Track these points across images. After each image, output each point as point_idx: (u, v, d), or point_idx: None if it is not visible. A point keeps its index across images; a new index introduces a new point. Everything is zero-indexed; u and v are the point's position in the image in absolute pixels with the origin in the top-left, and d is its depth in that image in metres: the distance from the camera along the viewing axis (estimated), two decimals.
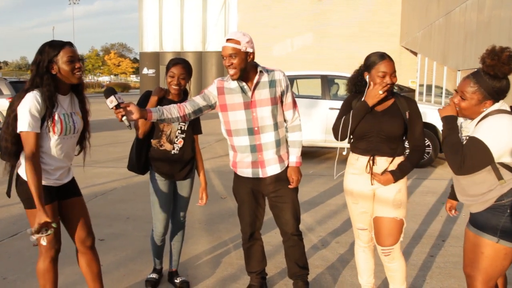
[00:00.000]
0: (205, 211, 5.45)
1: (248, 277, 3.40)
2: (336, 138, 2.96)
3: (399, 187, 2.84)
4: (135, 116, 2.61)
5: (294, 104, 3.07)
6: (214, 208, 5.60)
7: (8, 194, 2.66)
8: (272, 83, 2.95)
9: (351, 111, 2.86)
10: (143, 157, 3.28)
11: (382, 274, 3.64)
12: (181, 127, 3.26)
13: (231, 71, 2.81)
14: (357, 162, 2.91)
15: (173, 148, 3.25)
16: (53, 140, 2.58)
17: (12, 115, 2.51)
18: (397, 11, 22.79)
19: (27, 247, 4.28)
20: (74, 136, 2.72)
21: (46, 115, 2.51)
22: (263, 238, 3.36)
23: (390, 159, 2.83)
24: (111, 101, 2.58)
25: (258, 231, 3.23)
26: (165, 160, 3.25)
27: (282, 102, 3.01)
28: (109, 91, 2.62)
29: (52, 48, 2.54)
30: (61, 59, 2.53)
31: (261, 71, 2.93)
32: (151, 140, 3.25)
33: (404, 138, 2.90)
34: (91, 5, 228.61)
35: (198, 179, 3.48)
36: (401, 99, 2.86)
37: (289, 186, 3.05)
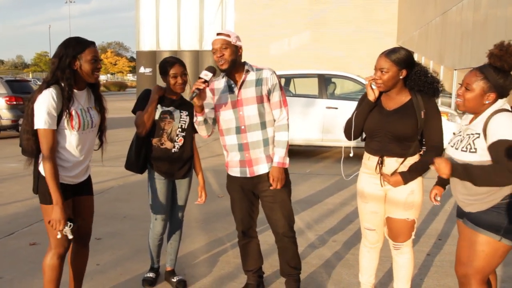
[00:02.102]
0: (202, 210, 5.45)
1: (245, 276, 3.40)
2: (346, 137, 2.96)
3: (411, 189, 2.77)
4: (201, 101, 2.85)
5: (282, 103, 3.02)
6: (211, 207, 5.59)
7: (35, 190, 2.69)
8: (258, 82, 2.96)
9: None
10: (142, 156, 3.28)
11: (380, 272, 3.64)
12: (181, 125, 3.27)
13: (221, 61, 2.86)
14: (369, 162, 2.87)
15: (174, 147, 3.26)
16: (72, 136, 2.62)
17: (31, 107, 2.55)
18: (394, 10, 22.83)
19: (23, 247, 4.26)
20: (93, 131, 2.76)
21: (62, 111, 2.56)
22: (260, 237, 3.36)
23: (401, 159, 2.76)
24: (206, 75, 2.81)
25: (252, 228, 3.23)
26: (165, 159, 3.25)
27: (270, 101, 3.00)
28: (212, 69, 2.86)
29: (78, 44, 2.60)
30: (85, 57, 2.59)
31: (247, 70, 2.96)
32: (152, 139, 3.25)
33: (419, 138, 2.78)
34: (87, 4, 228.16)
35: (195, 178, 3.48)
36: (419, 97, 2.72)
37: (270, 188, 3.00)
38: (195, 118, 3.02)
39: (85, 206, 2.85)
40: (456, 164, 2.33)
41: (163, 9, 30.64)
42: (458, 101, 2.41)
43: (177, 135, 3.26)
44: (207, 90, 3.04)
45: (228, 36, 2.86)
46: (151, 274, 3.52)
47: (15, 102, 12.06)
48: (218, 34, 2.90)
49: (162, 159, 3.25)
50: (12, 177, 7.36)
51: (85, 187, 2.84)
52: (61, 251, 2.70)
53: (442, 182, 2.79)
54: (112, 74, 73.08)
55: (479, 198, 2.34)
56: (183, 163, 3.31)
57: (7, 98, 12.01)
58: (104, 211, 5.42)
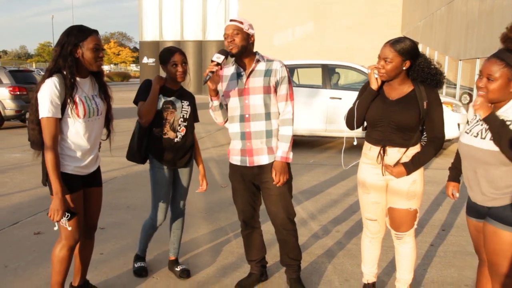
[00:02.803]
0: (205, 200, 5.46)
1: (248, 266, 3.41)
2: (348, 127, 2.94)
3: (413, 178, 2.76)
4: (214, 84, 2.86)
5: (289, 97, 2.98)
6: (214, 197, 5.60)
7: (44, 182, 2.68)
8: (267, 72, 2.94)
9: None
10: (144, 146, 3.28)
11: (383, 263, 3.65)
12: (183, 115, 3.27)
13: (232, 46, 2.87)
14: (370, 152, 2.85)
15: (176, 136, 3.26)
16: (78, 124, 2.61)
17: (35, 96, 2.54)
18: (399, 0, 22.66)
19: (27, 236, 4.29)
20: (99, 119, 2.74)
21: (66, 99, 2.54)
22: (263, 227, 3.36)
23: (403, 149, 2.74)
24: (218, 57, 2.83)
25: (254, 219, 3.22)
26: (168, 149, 3.25)
27: (277, 93, 2.98)
28: (224, 52, 2.87)
29: (80, 32, 2.58)
30: (87, 45, 2.58)
31: (258, 60, 2.96)
32: (154, 128, 3.24)
33: (421, 128, 2.76)
34: None
35: (195, 167, 3.48)
36: (421, 88, 2.70)
37: (274, 183, 2.98)
38: (210, 103, 3.01)
39: (94, 197, 2.86)
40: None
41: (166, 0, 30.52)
42: (480, 94, 2.24)
43: (179, 125, 3.26)
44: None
45: (241, 23, 2.88)
46: (143, 264, 3.53)
47: (18, 92, 12.08)
48: (231, 20, 2.92)
49: (164, 149, 3.25)
50: (16, 167, 7.39)
51: (95, 178, 2.84)
52: (72, 243, 2.70)
53: (455, 177, 2.73)
54: (115, 64, 73.03)
55: (509, 192, 2.20)
56: (185, 152, 3.32)
57: (11, 88, 12.02)
58: (107, 201, 5.43)
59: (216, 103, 2.97)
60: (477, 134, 2.28)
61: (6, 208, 5.17)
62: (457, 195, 2.73)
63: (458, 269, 3.61)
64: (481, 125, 2.29)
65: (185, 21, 30.17)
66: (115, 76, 49.76)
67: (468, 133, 2.35)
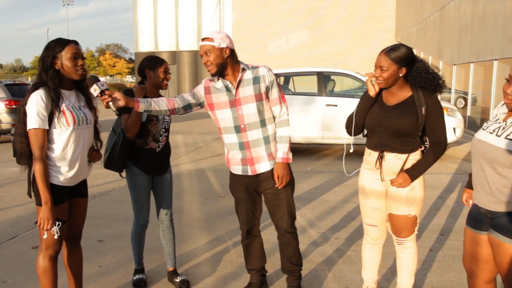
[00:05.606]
0: (204, 210, 5.45)
1: (248, 275, 3.40)
2: (347, 133, 2.97)
3: (412, 185, 2.75)
4: (121, 102, 2.69)
5: (282, 99, 3.01)
6: (213, 207, 5.59)
7: (29, 194, 2.70)
8: (255, 80, 2.94)
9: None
10: (125, 157, 3.28)
11: (382, 269, 3.65)
12: (165, 126, 3.33)
13: (208, 68, 2.86)
14: (369, 157, 2.87)
15: (158, 146, 3.31)
16: (67, 134, 2.62)
17: (22, 110, 2.57)
18: (392, 6, 22.84)
19: (26, 250, 4.27)
20: (88, 127, 2.76)
21: (53, 110, 2.56)
22: (262, 235, 3.36)
23: (401, 155, 2.74)
24: (95, 90, 2.65)
25: (256, 228, 3.23)
26: (149, 158, 3.30)
27: (268, 98, 2.99)
28: (92, 79, 2.69)
29: (57, 44, 2.63)
30: (65, 55, 2.62)
31: (243, 69, 2.94)
32: (137, 139, 3.26)
33: (421, 134, 2.75)
34: (86, 6, 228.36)
35: (175, 175, 3.49)
36: (420, 93, 2.71)
37: (275, 185, 2.99)
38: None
39: (79, 207, 2.87)
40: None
41: (160, 10, 30.67)
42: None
43: (161, 135, 3.31)
44: (200, 88, 3.02)
45: (212, 40, 2.83)
46: (142, 276, 3.52)
47: (14, 106, 12.05)
48: (202, 39, 2.89)
49: (146, 159, 3.29)
50: (13, 181, 7.36)
51: (81, 189, 2.86)
52: (52, 253, 2.69)
53: (472, 185, 2.71)
54: (111, 76, 73.10)
55: None
56: (163, 160, 3.39)
57: (7, 102, 12.01)
58: (106, 213, 5.42)
59: (141, 109, 2.80)
60: (493, 131, 2.24)
61: (3, 222, 5.15)
62: (471, 202, 2.62)
63: (458, 273, 3.61)
64: (499, 123, 2.26)
65: (180, 31, 30.29)
66: (110, 88, 49.67)
67: (485, 129, 2.32)
